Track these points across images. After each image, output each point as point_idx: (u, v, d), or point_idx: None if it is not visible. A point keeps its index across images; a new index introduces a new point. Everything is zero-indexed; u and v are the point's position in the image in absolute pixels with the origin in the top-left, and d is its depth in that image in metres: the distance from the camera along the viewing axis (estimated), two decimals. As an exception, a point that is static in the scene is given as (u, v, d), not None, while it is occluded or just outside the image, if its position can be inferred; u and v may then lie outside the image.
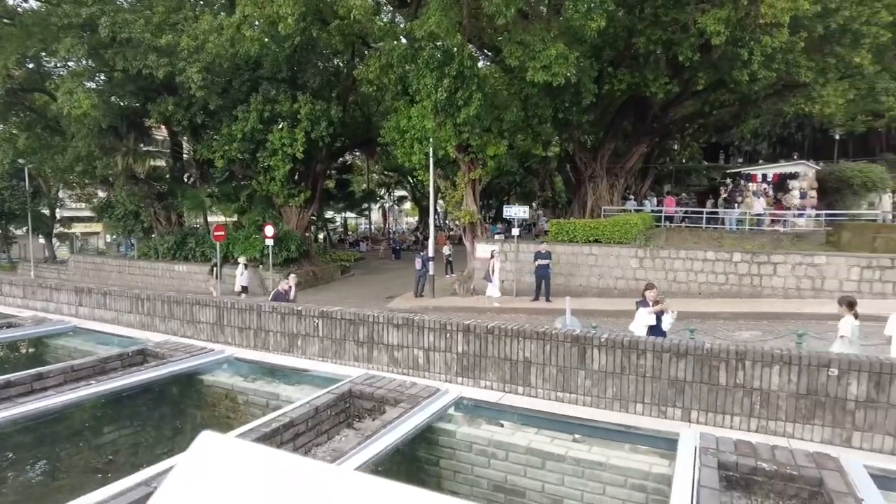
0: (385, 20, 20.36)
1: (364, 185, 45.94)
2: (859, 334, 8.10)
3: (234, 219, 27.60)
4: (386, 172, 47.19)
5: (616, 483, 4.19)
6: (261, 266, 22.74)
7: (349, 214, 51.12)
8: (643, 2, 17.45)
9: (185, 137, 26.59)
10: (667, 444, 4.47)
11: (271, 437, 4.07)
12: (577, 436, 4.80)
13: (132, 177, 24.63)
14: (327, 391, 4.89)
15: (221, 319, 8.68)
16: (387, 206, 55.09)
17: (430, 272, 20.39)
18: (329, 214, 46.12)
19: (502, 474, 4.52)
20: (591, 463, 4.33)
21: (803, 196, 22.00)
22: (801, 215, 21.18)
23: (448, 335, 7.03)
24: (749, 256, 16.64)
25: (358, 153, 41.02)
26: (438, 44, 16.60)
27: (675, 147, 35.09)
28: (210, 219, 30.23)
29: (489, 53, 21.73)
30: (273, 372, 6.58)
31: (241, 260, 20.12)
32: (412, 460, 4.78)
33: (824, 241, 18.24)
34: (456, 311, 17.34)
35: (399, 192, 55.89)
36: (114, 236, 29.91)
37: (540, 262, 17.30)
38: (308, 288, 23.63)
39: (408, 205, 62.33)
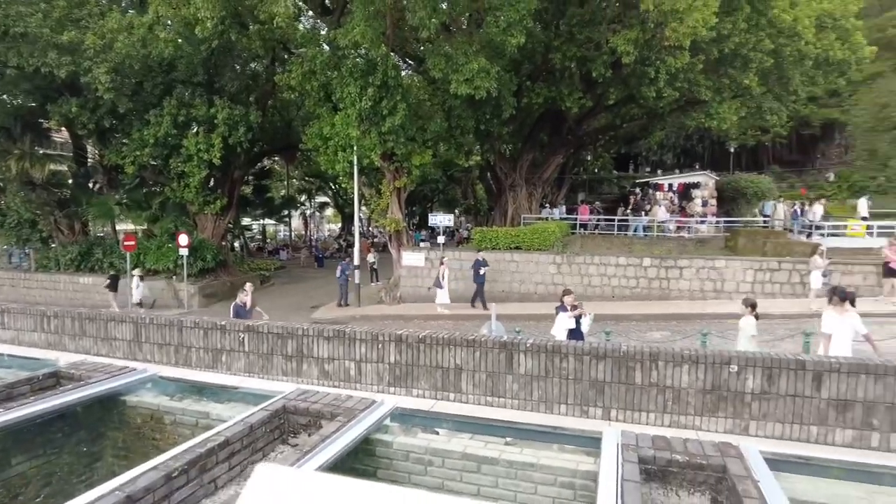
0: (307, 27, 20.14)
1: (283, 192, 44.83)
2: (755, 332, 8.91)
3: (145, 227, 26.10)
4: (307, 178, 46.33)
5: (546, 482, 4.44)
6: (175, 277, 21.66)
7: (268, 221, 49.63)
8: (559, 20, 18.31)
9: (91, 141, 24.86)
10: (591, 443, 4.78)
11: (207, 458, 3.99)
12: (508, 439, 5.02)
13: (28, 182, 22.70)
14: (261, 408, 4.83)
15: (139, 336, 8.28)
16: (308, 212, 53.99)
17: (356, 280, 20.27)
18: (246, 221, 44.57)
19: (440, 481, 4.66)
20: (523, 464, 4.56)
21: (704, 204, 23.84)
22: (702, 222, 22.92)
23: (380, 346, 7.10)
24: (658, 261, 17.83)
25: (277, 159, 40.00)
26: (363, 53, 16.64)
27: (589, 158, 36.85)
28: (119, 227, 28.39)
29: (413, 63, 21.95)
30: (200, 390, 6.37)
31: (136, 273, 19.35)
32: (352, 473, 4.81)
33: (723, 245, 19.86)
34: (383, 320, 17.36)
35: (321, 199, 54.95)
36: (4, 247, 27.31)
37: (481, 269, 17.62)
38: (225, 300, 22.73)
39: (330, 211, 61.39)
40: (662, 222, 22.23)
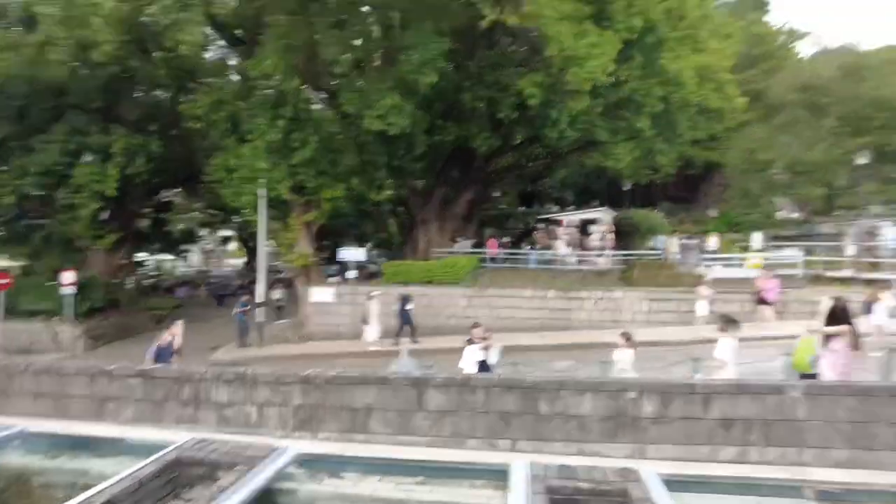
0: (216, 56, 19.62)
1: (182, 225, 42.51)
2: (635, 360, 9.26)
3: (25, 263, 23.69)
4: (210, 211, 44.23)
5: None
6: (56, 318, 19.70)
7: (165, 256, 46.65)
8: (470, 61, 19.03)
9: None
10: (500, 476, 4.83)
11: (85, 520, 3.62)
12: (419, 478, 4.96)
13: None
14: (151, 461, 4.47)
15: (9, 386, 7.44)
16: (209, 247, 51.42)
17: (258, 318, 19.44)
18: (141, 256, 41.68)
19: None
20: (433, 503, 4.51)
21: (602, 238, 25.25)
22: (601, 255, 24.24)
23: (284, 388, 6.82)
24: (561, 293, 18.61)
25: (179, 191, 37.98)
26: (274, 84, 16.41)
27: (497, 194, 38.11)
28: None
29: (326, 97, 21.88)
30: (80, 444, 5.77)
31: None
32: None
33: (620, 277, 21.08)
34: (288, 360, 16.70)
35: (224, 232, 52.57)
36: None
37: (408, 305, 17.38)
38: (116, 341, 21.04)
39: (233, 245, 58.92)
40: (563, 256, 23.30)
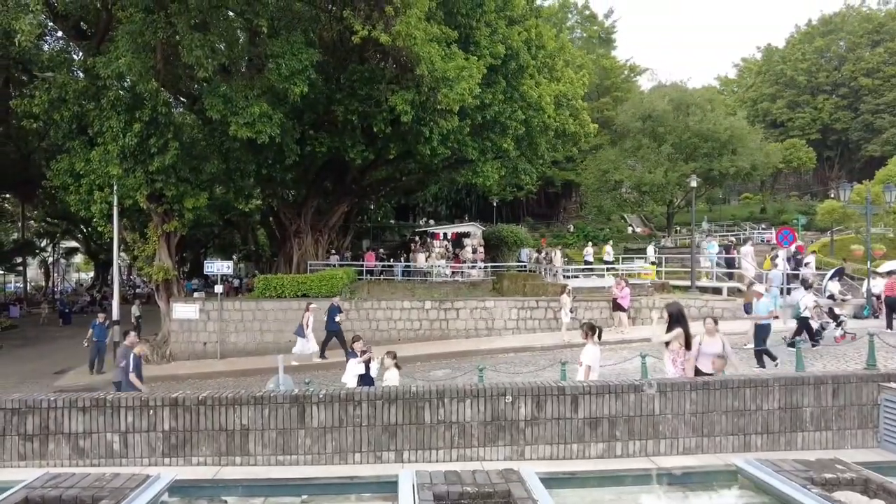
0: (54, 47, 17.54)
1: (16, 235, 37.26)
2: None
3: None
4: (49, 220, 39.24)
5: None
6: None
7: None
8: (341, 74, 18.92)
9: None
10: (388, 487, 4.88)
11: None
12: (304, 497, 4.85)
13: None
14: (-4, 504, 3.92)
15: None
16: (50, 259, 45.50)
17: (114, 339, 17.58)
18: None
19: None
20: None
21: (474, 251, 26.34)
22: (473, 267, 25.24)
23: (151, 412, 6.33)
24: (437, 304, 19.06)
25: (8, 196, 33.27)
26: (128, 86, 15.07)
27: (372, 207, 38.11)
28: None
29: (186, 101, 20.48)
30: None
31: None
32: None
33: (491, 287, 22.07)
34: (150, 382, 15.25)
35: (68, 244, 46.86)
36: None
37: (336, 316, 16.70)
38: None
39: (79, 258, 52.68)
40: (439, 266, 23.93)
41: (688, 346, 8.97)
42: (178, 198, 17.07)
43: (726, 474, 5.99)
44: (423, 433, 6.58)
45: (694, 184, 22.88)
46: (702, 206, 46.99)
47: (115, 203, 16.78)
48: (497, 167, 22.15)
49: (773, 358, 11.89)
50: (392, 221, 43.43)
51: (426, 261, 25.24)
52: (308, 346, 16.40)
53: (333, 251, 27.11)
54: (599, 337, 8.80)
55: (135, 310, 22.92)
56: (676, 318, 9.07)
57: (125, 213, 17.98)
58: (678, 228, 42.53)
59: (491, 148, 21.36)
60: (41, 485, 4.27)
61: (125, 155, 15.41)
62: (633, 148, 37.56)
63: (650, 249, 26.29)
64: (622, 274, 20.82)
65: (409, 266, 24.82)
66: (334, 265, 23.30)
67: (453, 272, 24.53)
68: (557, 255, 25.01)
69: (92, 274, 54.89)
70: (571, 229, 43.18)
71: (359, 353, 9.34)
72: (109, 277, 48.93)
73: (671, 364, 9.12)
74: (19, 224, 37.66)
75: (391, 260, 26.60)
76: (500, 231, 28.45)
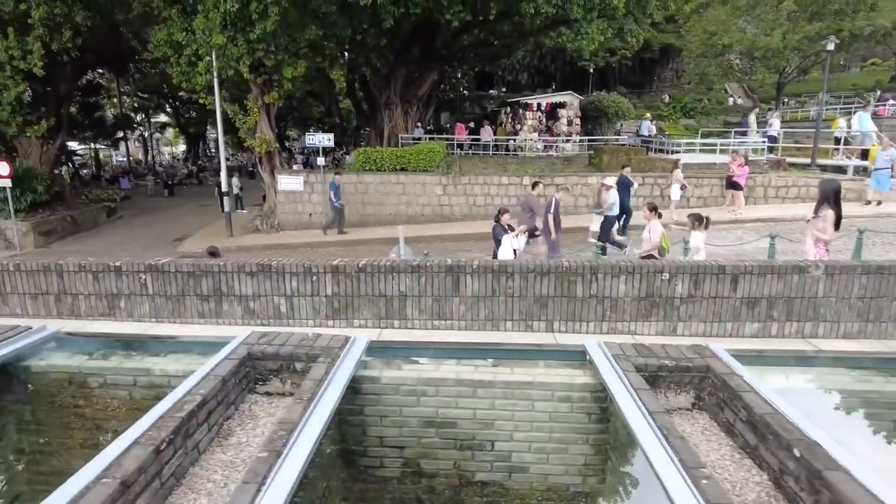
0: None
1: (115, 110, 38.80)
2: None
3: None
4: (141, 94, 40.39)
5: (544, 398, 4.50)
6: (-2, 214, 18.05)
7: (99, 145, 42.91)
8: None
9: None
10: (574, 356, 4.90)
11: (188, 422, 3.41)
12: (490, 360, 4.97)
13: None
14: (225, 357, 4.21)
15: (2, 287, 6.83)
16: (146, 134, 47.60)
17: (226, 208, 18.55)
18: (72, 146, 38.08)
19: (429, 409, 4.52)
20: (512, 383, 4.56)
21: (570, 123, 25.01)
22: (567, 141, 24.13)
23: (314, 278, 6.59)
24: (537, 179, 18.49)
25: (103, 71, 34.12)
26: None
27: (459, 75, 36.51)
28: None
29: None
30: (121, 344, 5.37)
31: None
32: (360, 415, 4.49)
33: (588, 163, 21.15)
34: (265, 250, 16.21)
35: (158, 118, 48.59)
36: None
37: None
38: (67, 236, 19.71)
39: (168, 132, 54.82)
40: (531, 140, 23.02)
41: (837, 227, 8.37)
42: (277, 67, 16.80)
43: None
44: (574, 306, 6.56)
45: (831, 46, 20.16)
46: (816, 75, 41.83)
47: (215, 75, 16.75)
48: (602, 27, 20.21)
49: None
50: (467, 93, 41.58)
51: (516, 134, 24.34)
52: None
53: (418, 124, 26.55)
54: (706, 227, 8.87)
55: (236, 181, 23.87)
56: (827, 198, 8.36)
57: (223, 85, 18.00)
58: (786, 100, 38.44)
59: (598, 5, 19.32)
60: (255, 341, 4.55)
61: (226, 23, 15.04)
62: (747, 6, 33.07)
63: (776, 122, 23.57)
64: (742, 151, 19.26)
65: (499, 140, 24.03)
66: (423, 138, 22.90)
67: (546, 146, 23.60)
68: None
69: (181, 147, 57.20)
70: (667, 100, 40.00)
71: (506, 227, 9.30)
72: (201, 150, 50.95)
73: (812, 246, 8.58)
74: (115, 100, 39.00)
75: (479, 133, 25.76)
76: (599, 101, 26.37)
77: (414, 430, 4.57)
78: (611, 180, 13.80)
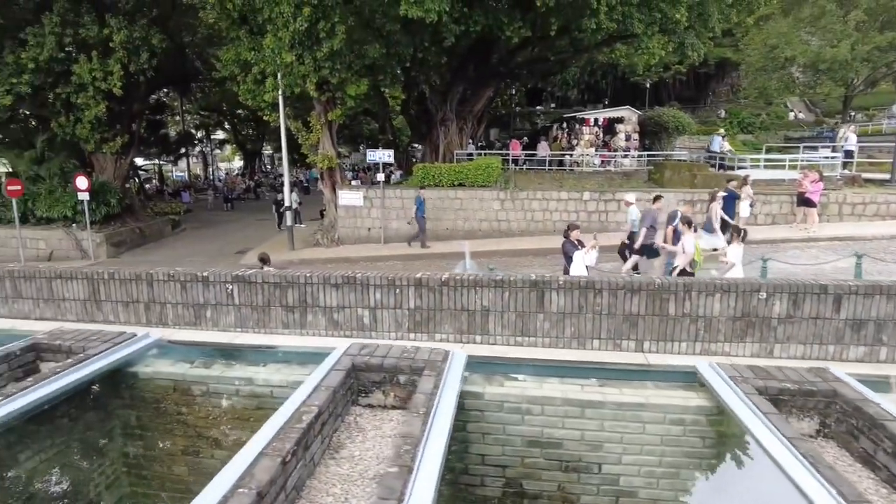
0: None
1: (178, 128, 40.56)
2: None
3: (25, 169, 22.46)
4: (202, 112, 42.11)
5: (655, 420, 4.32)
6: (74, 225, 19.02)
7: (162, 161, 44.93)
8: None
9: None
10: (685, 377, 4.70)
11: (307, 433, 3.41)
12: (592, 379, 4.83)
13: None
14: (331, 368, 4.22)
15: (97, 294, 7.10)
16: (206, 150, 49.52)
17: (287, 223, 19.00)
18: (138, 161, 40.01)
19: (537, 429, 4.40)
20: (620, 404, 4.40)
21: (628, 139, 24.60)
22: (625, 156, 23.73)
23: (398, 291, 6.59)
24: (597, 195, 18.24)
25: (168, 91, 35.81)
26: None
27: (513, 91, 36.54)
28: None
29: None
30: (220, 353, 5.50)
31: None
32: (465, 430, 4.43)
33: (647, 178, 20.69)
34: (326, 264, 16.48)
35: (218, 135, 50.52)
36: None
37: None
38: (136, 248, 20.56)
39: (227, 149, 56.86)
40: (588, 155, 22.71)
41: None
42: (341, 85, 17.18)
43: None
44: (666, 325, 6.33)
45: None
46: (886, 87, 39.96)
47: (281, 92, 17.25)
48: (663, 42, 19.86)
49: None
50: (518, 109, 41.48)
51: (572, 150, 24.09)
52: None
53: (471, 140, 26.61)
54: (744, 239, 8.83)
55: (295, 196, 24.43)
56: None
57: (287, 103, 18.54)
58: (852, 114, 36.79)
59: (659, 20, 19.02)
60: (357, 352, 4.55)
61: (294, 42, 15.51)
62: (811, 17, 31.95)
63: (852, 136, 21.73)
64: (816, 166, 18.48)
65: (554, 155, 23.81)
66: (477, 154, 22.92)
67: (603, 161, 23.26)
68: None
69: (238, 163, 59.25)
70: (723, 115, 38.90)
71: (577, 243, 9.17)
72: (257, 166, 52.64)
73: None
74: (178, 118, 40.77)
75: (534, 148, 25.59)
76: (659, 116, 25.81)
77: (517, 450, 4.46)
78: (631, 196, 13.38)
